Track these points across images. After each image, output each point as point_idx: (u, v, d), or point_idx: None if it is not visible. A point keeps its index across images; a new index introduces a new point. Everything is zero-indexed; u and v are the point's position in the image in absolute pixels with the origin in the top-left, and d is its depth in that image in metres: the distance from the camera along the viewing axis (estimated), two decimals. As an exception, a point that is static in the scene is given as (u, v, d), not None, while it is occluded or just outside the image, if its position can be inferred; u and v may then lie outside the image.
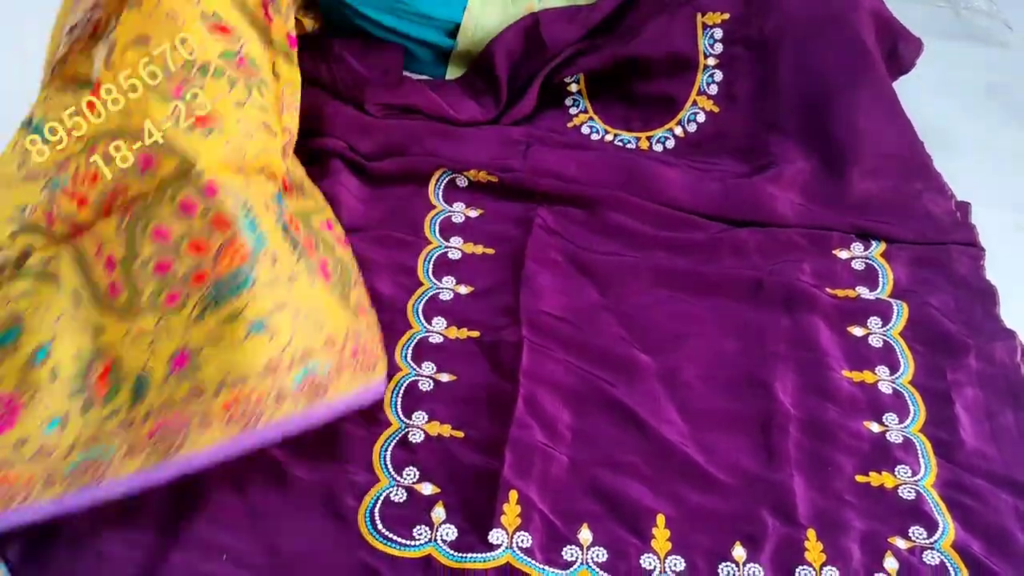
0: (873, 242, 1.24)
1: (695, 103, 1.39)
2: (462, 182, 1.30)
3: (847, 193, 1.28)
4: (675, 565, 0.92)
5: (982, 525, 0.96)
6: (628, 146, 1.38)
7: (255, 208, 0.97)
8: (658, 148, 1.37)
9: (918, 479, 0.99)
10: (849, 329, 1.14)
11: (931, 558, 0.92)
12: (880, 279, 1.20)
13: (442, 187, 1.29)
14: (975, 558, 0.92)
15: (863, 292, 1.18)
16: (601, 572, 0.92)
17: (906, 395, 1.07)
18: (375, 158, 1.31)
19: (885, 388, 1.07)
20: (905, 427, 1.04)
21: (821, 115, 1.33)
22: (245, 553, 0.90)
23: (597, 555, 0.93)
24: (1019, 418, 1.05)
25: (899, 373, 1.09)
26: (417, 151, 1.31)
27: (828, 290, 1.17)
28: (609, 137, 1.40)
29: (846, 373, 1.09)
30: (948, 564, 0.92)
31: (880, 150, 1.31)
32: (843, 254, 1.23)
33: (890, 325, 1.14)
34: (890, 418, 1.04)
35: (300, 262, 1.00)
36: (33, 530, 0.90)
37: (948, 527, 0.95)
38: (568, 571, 0.92)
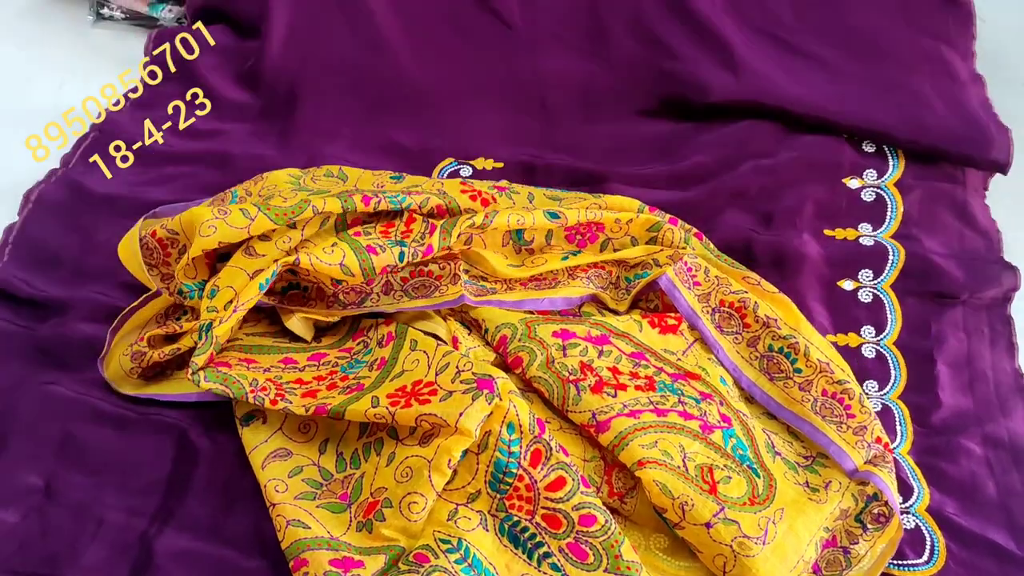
0: (890, 164, 1.24)
1: None
2: (466, 171, 1.29)
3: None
4: None
5: (955, 483, 0.98)
6: None
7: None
8: None
9: (894, 447, 1.00)
10: (839, 284, 1.14)
11: (906, 523, 0.94)
12: (888, 213, 1.19)
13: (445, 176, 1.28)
14: (948, 519, 0.95)
15: (865, 230, 1.18)
16: None
17: (889, 359, 1.08)
18: None
19: (868, 352, 1.08)
20: (884, 394, 1.05)
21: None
22: (231, 531, 0.92)
23: None
24: (996, 359, 1.08)
25: (885, 333, 1.10)
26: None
27: (825, 232, 1.18)
28: None
29: (830, 338, 1.09)
30: (923, 527, 0.94)
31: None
32: (854, 183, 1.22)
33: (882, 277, 1.14)
34: (870, 386, 1.06)
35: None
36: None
37: (923, 492, 0.97)
38: None
